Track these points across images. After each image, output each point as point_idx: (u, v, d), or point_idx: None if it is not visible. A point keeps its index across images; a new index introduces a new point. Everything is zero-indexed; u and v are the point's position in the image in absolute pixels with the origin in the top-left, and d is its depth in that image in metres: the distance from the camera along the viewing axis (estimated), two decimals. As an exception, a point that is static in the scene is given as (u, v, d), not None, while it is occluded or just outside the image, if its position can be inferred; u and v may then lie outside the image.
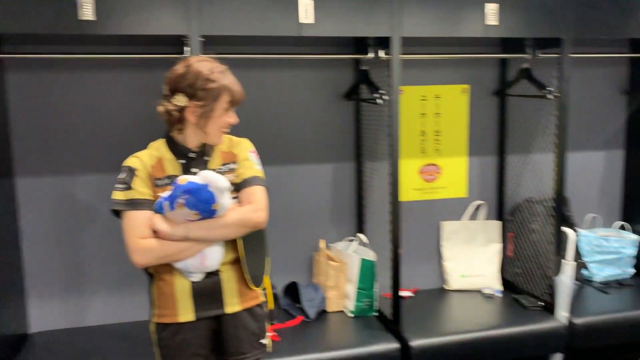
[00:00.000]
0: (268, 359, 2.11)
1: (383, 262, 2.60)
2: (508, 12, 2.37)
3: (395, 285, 2.40)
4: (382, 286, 2.62)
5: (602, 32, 2.52)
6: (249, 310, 1.72)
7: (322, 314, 2.58)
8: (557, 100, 2.50)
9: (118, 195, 1.62)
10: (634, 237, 2.99)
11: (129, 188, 1.62)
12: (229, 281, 1.68)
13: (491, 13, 2.35)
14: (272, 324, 2.37)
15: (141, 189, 1.62)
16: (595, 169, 3.13)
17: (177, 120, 1.63)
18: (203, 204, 1.55)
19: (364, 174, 2.74)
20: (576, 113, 2.97)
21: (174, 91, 1.62)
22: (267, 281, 1.80)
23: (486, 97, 2.90)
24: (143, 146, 1.72)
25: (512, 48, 2.73)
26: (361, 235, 2.72)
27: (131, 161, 1.66)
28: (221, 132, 1.67)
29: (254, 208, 1.65)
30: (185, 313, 1.65)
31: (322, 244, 2.70)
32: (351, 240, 2.75)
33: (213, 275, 1.67)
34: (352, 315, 2.55)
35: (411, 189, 2.86)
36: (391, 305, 2.42)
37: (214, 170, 1.66)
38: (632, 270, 3.01)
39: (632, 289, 2.87)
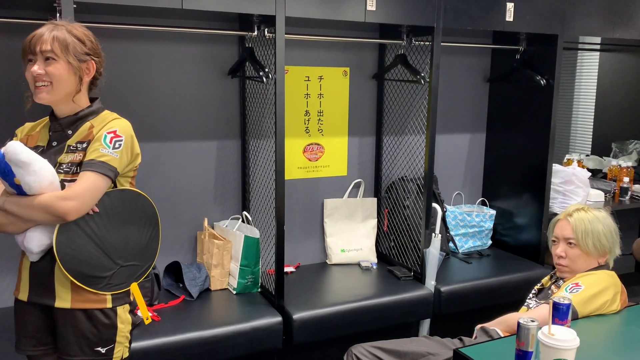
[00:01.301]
0: (148, 339, 2.10)
1: (268, 239, 2.65)
2: (386, -1, 2.49)
3: (279, 262, 2.46)
4: (266, 263, 2.68)
5: (469, 24, 2.73)
6: (85, 312, 1.55)
7: (206, 292, 2.57)
8: (428, 86, 2.68)
9: None
10: (492, 211, 3.33)
11: None
12: (62, 272, 1.53)
13: (371, -1, 2.45)
14: (153, 305, 2.36)
15: None
16: (461, 150, 3.41)
17: None
18: (4, 176, 1.46)
19: (249, 152, 2.76)
20: (445, 98, 3.22)
21: None
22: (135, 289, 1.63)
23: (365, 80, 3.04)
24: (5, 117, 1.61)
25: (389, 34, 2.87)
26: (245, 213, 2.74)
27: (20, 127, 1.65)
28: (35, 88, 1.53)
29: (63, 195, 1.47)
30: (23, 291, 1.61)
31: (205, 222, 2.69)
32: (236, 219, 2.76)
33: (49, 261, 1.54)
34: (236, 292, 2.57)
35: (295, 167, 2.93)
36: (274, 280, 2.48)
37: (68, 147, 1.56)
38: (490, 242, 3.35)
39: (489, 258, 3.20)
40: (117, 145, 1.54)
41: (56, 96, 1.54)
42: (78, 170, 1.53)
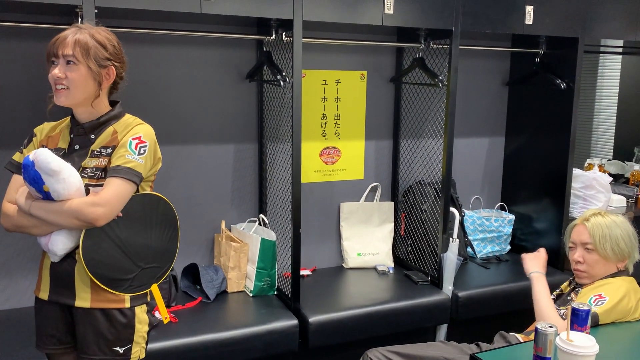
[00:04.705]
0: (166, 340, 2.12)
1: (284, 242, 2.66)
2: (403, 2, 2.48)
3: (295, 265, 2.46)
4: (283, 266, 2.68)
5: (488, 27, 2.71)
6: (103, 312, 1.58)
7: (223, 294, 2.59)
8: (446, 89, 2.67)
9: (15, 156, 1.64)
10: (511, 216, 3.29)
11: (21, 151, 1.63)
12: (83, 273, 1.56)
13: (388, 2, 2.45)
14: (170, 307, 2.38)
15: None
16: (479, 154, 3.38)
17: None
18: (33, 183, 1.48)
19: (266, 156, 2.77)
20: (464, 102, 3.20)
21: None
22: (155, 290, 1.65)
23: (383, 84, 3.03)
24: (29, 119, 1.64)
25: (407, 37, 2.86)
26: (262, 216, 2.75)
27: (39, 127, 1.67)
28: (55, 91, 1.55)
29: (92, 201, 1.49)
30: (44, 290, 1.64)
31: (222, 224, 2.70)
32: (252, 221, 2.78)
33: (69, 261, 1.57)
34: (252, 295, 2.58)
35: (312, 170, 2.93)
36: (291, 283, 2.48)
37: (92, 151, 1.59)
38: (509, 247, 3.31)
39: (508, 263, 3.16)
40: (142, 151, 1.57)
41: (73, 100, 1.57)
42: (102, 175, 1.56)
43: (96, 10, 1.97)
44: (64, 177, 1.47)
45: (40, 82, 2.23)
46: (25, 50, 2.27)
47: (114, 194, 1.51)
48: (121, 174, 1.53)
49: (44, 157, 1.44)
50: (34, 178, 1.46)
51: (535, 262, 2.12)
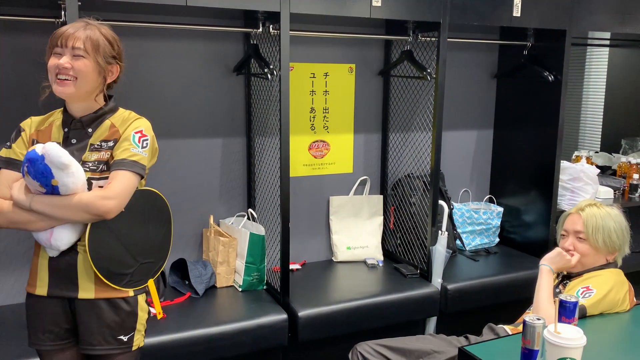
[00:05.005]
0: (154, 335, 2.10)
1: (273, 236, 2.64)
2: (392, -6, 2.47)
3: (285, 259, 2.46)
4: (272, 260, 2.67)
5: (476, 19, 2.71)
6: (108, 301, 1.60)
7: (212, 289, 2.58)
8: (434, 82, 2.66)
9: (2, 151, 1.62)
10: (500, 209, 3.30)
11: (9, 147, 1.61)
12: (86, 265, 1.58)
13: (376, -5, 2.44)
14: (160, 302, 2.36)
15: (18, 150, 1.60)
16: (468, 147, 3.39)
17: None
18: (41, 177, 1.47)
19: (254, 150, 2.75)
20: (452, 94, 3.20)
21: None
22: (151, 285, 1.68)
23: (371, 77, 3.02)
24: (14, 114, 1.61)
25: (395, 30, 2.85)
26: (251, 211, 2.74)
27: (24, 121, 1.65)
28: (55, 81, 1.54)
29: (103, 195, 1.51)
30: (41, 286, 1.62)
31: (211, 219, 2.69)
32: (241, 216, 2.76)
33: (71, 254, 1.58)
34: (242, 289, 2.57)
35: (301, 164, 2.92)
36: (280, 278, 2.47)
37: (91, 145, 1.58)
38: (497, 239, 3.33)
39: (496, 255, 3.17)
40: (144, 145, 1.60)
41: (78, 91, 1.56)
42: (105, 169, 1.57)
43: (79, 3, 1.94)
44: (73, 170, 1.48)
45: (22, 76, 2.20)
46: (7, 44, 2.23)
47: (124, 187, 1.53)
48: (128, 166, 1.55)
49: (55, 151, 1.44)
50: (42, 172, 1.45)
51: (557, 259, 1.97)
